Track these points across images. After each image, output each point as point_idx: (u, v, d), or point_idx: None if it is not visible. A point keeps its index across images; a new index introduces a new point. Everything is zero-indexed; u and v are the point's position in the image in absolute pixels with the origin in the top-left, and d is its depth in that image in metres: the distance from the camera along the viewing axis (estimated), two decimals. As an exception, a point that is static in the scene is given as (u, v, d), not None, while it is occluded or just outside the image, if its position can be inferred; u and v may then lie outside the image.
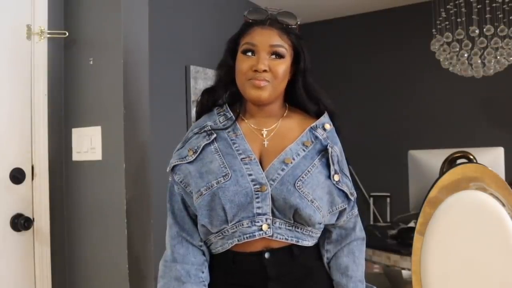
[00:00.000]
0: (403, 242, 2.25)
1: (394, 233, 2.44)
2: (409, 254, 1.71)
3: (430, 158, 2.48)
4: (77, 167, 1.66)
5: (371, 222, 4.41)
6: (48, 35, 1.61)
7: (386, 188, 4.53)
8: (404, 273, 2.57)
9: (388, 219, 4.43)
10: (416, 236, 1.61)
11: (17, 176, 1.52)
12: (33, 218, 1.56)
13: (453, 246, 1.55)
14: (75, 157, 1.66)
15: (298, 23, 1.18)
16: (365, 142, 4.47)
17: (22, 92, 1.56)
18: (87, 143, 1.62)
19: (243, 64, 1.13)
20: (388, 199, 4.53)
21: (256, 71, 1.10)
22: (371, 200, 4.60)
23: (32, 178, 1.57)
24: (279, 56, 1.13)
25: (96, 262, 1.61)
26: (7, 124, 1.52)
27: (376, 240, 2.41)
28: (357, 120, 4.50)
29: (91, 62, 1.62)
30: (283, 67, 1.13)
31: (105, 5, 1.61)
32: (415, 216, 1.85)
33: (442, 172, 1.92)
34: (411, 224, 2.53)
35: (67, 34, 1.64)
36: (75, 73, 1.67)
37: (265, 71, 1.10)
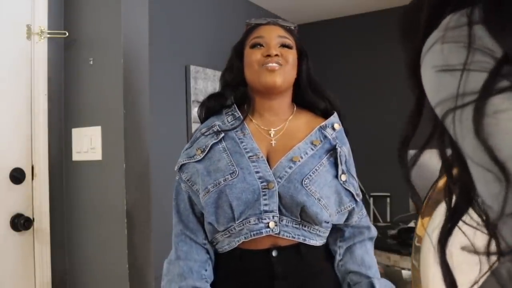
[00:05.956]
0: (403, 242, 2.25)
1: (394, 233, 2.44)
2: (409, 254, 1.71)
3: (430, 158, 2.47)
4: (77, 167, 1.66)
5: (371, 222, 4.40)
6: (48, 35, 1.60)
7: (386, 188, 4.52)
8: (404, 273, 2.57)
9: (388, 219, 4.43)
10: (416, 236, 1.61)
11: (17, 176, 1.52)
12: (33, 218, 1.56)
13: (453, 245, 1.55)
14: (75, 157, 1.66)
15: (296, 28, 1.25)
16: (364, 142, 4.46)
17: (22, 92, 1.56)
18: (87, 143, 1.62)
19: (253, 55, 1.17)
20: (388, 199, 4.53)
21: (268, 55, 1.14)
22: (371, 200, 4.60)
23: (32, 178, 1.57)
24: (288, 47, 1.18)
25: (96, 262, 1.61)
26: (7, 124, 1.52)
27: (376, 240, 2.40)
28: (356, 119, 4.48)
29: (91, 62, 1.62)
30: (292, 55, 1.18)
31: (105, 5, 1.61)
32: (415, 216, 1.85)
33: (442, 172, 1.92)
34: (411, 224, 2.53)
35: (67, 34, 1.64)
36: (75, 73, 1.67)
37: (276, 55, 1.14)
